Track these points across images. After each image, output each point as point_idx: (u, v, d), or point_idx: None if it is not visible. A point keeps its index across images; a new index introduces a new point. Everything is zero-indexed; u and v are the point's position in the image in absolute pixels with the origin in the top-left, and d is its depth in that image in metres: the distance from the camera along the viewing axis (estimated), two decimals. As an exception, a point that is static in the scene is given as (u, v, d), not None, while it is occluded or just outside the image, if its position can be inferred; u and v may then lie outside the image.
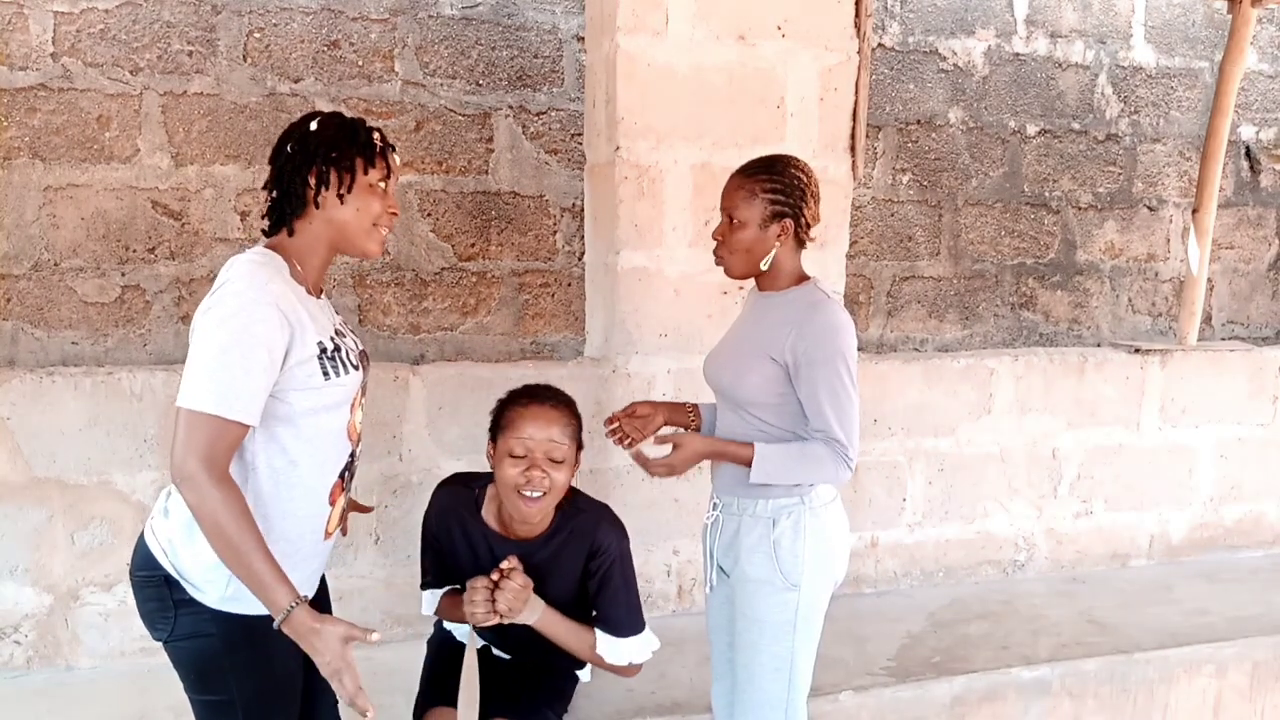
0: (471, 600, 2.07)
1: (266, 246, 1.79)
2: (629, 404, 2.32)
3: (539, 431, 2.05)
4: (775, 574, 2.08)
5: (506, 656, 2.41)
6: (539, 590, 2.15)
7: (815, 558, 2.09)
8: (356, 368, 1.85)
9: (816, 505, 2.10)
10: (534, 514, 2.09)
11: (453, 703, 2.16)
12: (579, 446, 2.13)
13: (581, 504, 2.25)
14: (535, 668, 2.37)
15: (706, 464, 2.26)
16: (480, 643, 2.37)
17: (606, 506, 2.30)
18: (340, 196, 1.77)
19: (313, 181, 1.76)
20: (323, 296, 1.87)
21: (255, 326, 1.65)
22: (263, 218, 1.82)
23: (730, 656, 2.21)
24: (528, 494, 2.06)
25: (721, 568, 2.20)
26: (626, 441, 2.28)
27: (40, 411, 2.71)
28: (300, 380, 1.72)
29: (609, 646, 2.22)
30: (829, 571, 2.13)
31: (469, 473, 2.36)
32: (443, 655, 2.40)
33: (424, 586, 2.34)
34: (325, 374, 1.76)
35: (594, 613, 2.25)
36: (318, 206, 1.77)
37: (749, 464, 2.05)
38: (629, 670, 2.28)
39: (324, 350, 1.77)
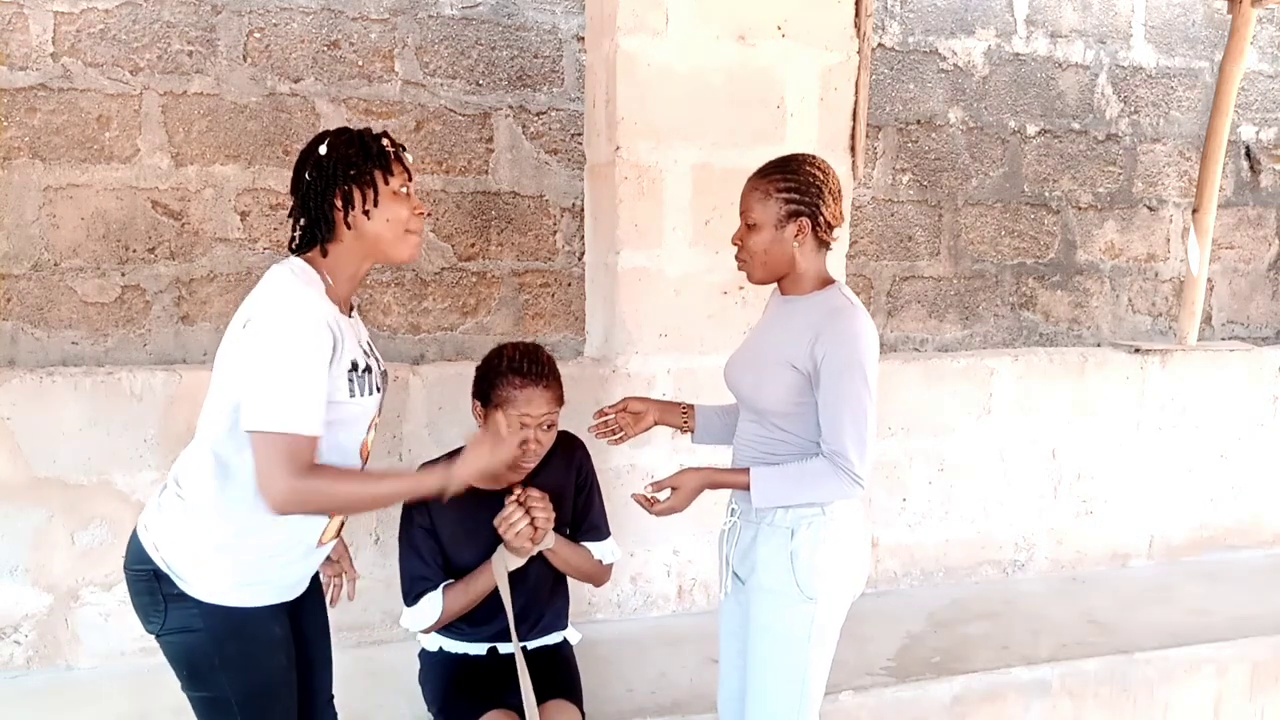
0: (513, 527, 2.16)
1: (304, 260, 1.80)
2: (622, 399, 2.31)
3: (536, 409, 2.18)
4: (791, 585, 2.03)
5: (520, 649, 2.42)
6: None
7: (833, 570, 2.05)
8: (378, 390, 1.89)
9: (837, 516, 2.05)
10: (531, 468, 2.26)
11: (488, 704, 2.22)
12: (563, 401, 2.27)
13: None
14: (548, 657, 2.43)
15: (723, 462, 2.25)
16: (491, 646, 2.41)
17: (565, 432, 2.42)
18: (367, 212, 1.77)
19: (339, 204, 1.77)
20: (354, 314, 1.89)
21: (309, 338, 1.68)
22: (290, 242, 1.84)
23: (740, 664, 2.19)
24: (525, 463, 2.20)
25: (737, 574, 2.17)
26: (616, 437, 2.27)
27: (40, 411, 2.71)
28: (329, 392, 1.74)
29: (600, 551, 2.43)
30: (847, 584, 2.09)
31: (431, 461, 2.41)
32: (451, 668, 2.40)
33: (419, 595, 2.31)
34: (351, 392, 1.79)
35: (580, 526, 2.43)
36: (349, 227, 1.78)
37: (748, 488, 2.03)
38: (609, 571, 2.46)
39: (355, 367, 1.80)
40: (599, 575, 2.45)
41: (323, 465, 1.71)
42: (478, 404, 2.27)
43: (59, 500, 2.74)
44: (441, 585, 2.31)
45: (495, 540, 2.27)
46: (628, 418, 2.28)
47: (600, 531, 2.45)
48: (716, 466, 2.16)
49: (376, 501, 1.84)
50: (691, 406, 2.33)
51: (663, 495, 2.10)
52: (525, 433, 2.17)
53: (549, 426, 2.22)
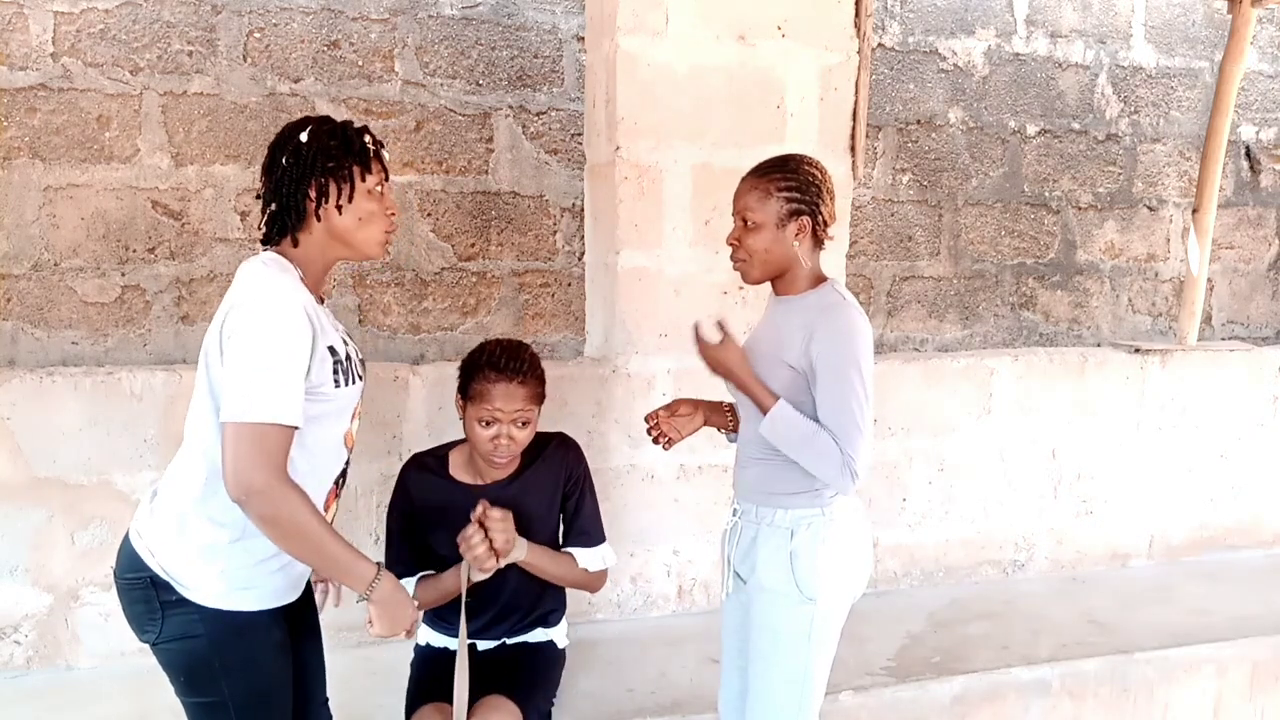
0: (471, 549, 2.17)
1: (275, 252, 1.79)
2: (673, 400, 2.27)
3: (508, 404, 2.20)
4: (791, 586, 2.04)
5: (493, 644, 2.43)
6: (522, 521, 2.28)
7: (833, 571, 2.05)
8: (361, 378, 1.88)
9: (837, 517, 2.06)
10: (504, 464, 2.29)
11: (439, 698, 2.21)
12: (542, 399, 2.29)
13: (540, 436, 2.39)
14: (523, 654, 2.42)
15: (729, 469, 2.25)
16: (470, 642, 2.40)
17: (561, 433, 2.46)
18: (340, 207, 1.76)
19: (313, 195, 1.76)
20: (325, 304, 1.87)
21: (289, 330, 1.67)
22: (260, 228, 1.82)
23: (742, 664, 2.19)
24: (497, 458, 2.24)
25: (739, 574, 2.17)
26: (665, 441, 2.23)
27: (40, 411, 2.71)
28: (312, 385, 1.73)
29: (587, 558, 2.41)
30: (848, 585, 2.10)
31: (424, 451, 2.48)
32: (428, 663, 2.42)
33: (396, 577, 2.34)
34: (336, 382, 1.78)
35: (569, 531, 2.43)
36: (319, 219, 1.77)
37: (765, 411, 2.01)
38: (601, 579, 2.46)
39: (336, 357, 1.78)
40: (588, 584, 2.44)
41: (298, 486, 1.67)
42: (459, 397, 2.29)
43: (59, 500, 2.74)
44: (417, 576, 2.34)
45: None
46: (677, 422, 2.23)
47: (589, 538, 2.43)
48: (752, 376, 2.07)
49: (320, 551, 1.70)
50: (733, 405, 2.28)
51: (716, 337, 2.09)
52: (496, 427, 2.20)
53: (523, 424, 2.23)
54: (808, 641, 2.06)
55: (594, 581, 2.45)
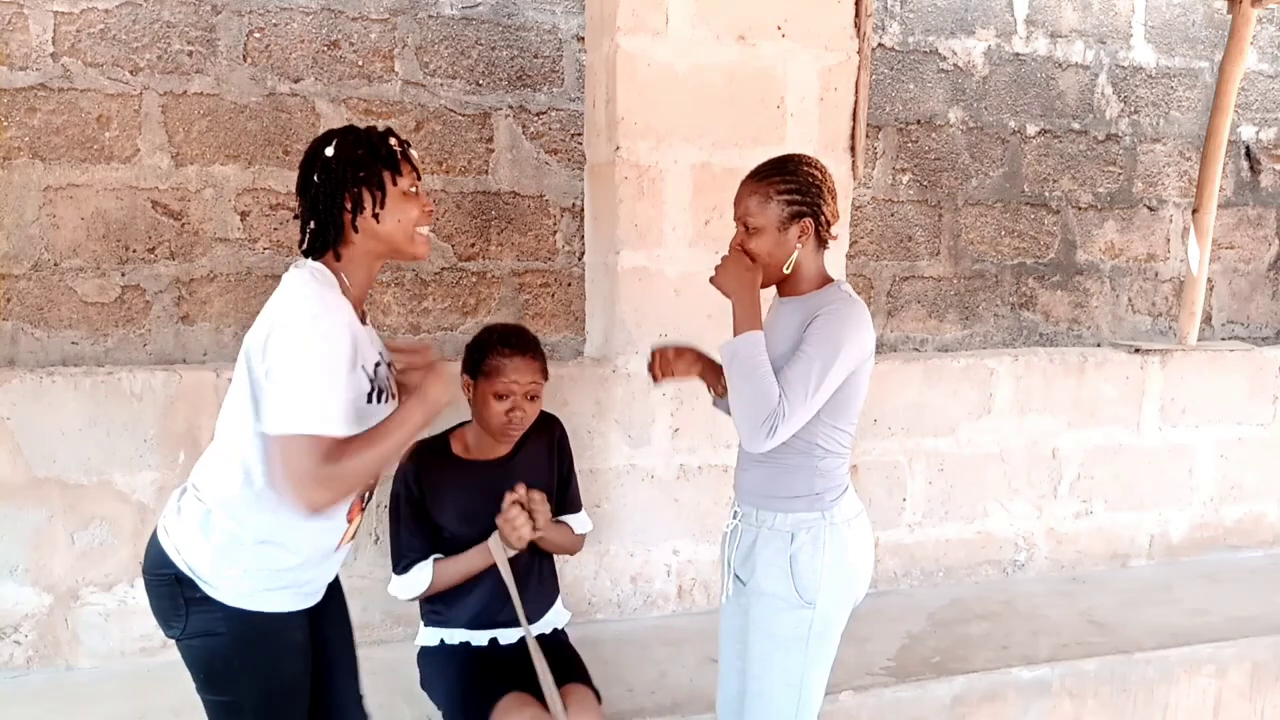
0: (516, 529, 2.27)
1: (320, 263, 1.79)
2: (682, 346, 2.27)
3: (522, 377, 2.32)
4: (790, 590, 2.03)
5: (515, 638, 2.45)
6: None
7: (833, 575, 2.05)
8: (394, 396, 1.89)
9: (838, 521, 2.06)
10: (515, 438, 2.42)
11: (517, 687, 2.25)
12: (547, 376, 2.41)
13: None
14: (551, 643, 2.46)
15: (729, 469, 2.24)
16: (493, 636, 2.45)
17: (543, 410, 2.53)
18: (376, 215, 1.77)
19: (349, 206, 1.76)
20: (368, 321, 1.88)
21: (333, 341, 1.69)
22: (300, 246, 1.83)
23: (740, 666, 2.19)
24: (511, 430, 2.35)
25: (739, 577, 2.16)
26: (660, 375, 2.23)
27: (40, 411, 2.71)
28: (350, 397, 1.74)
29: (578, 523, 2.58)
30: (847, 590, 2.09)
31: (421, 440, 2.47)
32: (468, 658, 2.42)
33: (407, 568, 2.38)
34: (369, 399, 1.79)
35: (560, 500, 2.53)
36: (357, 230, 1.78)
37: (737, 333, 1.99)
38: (581, 542, 2.60)
39: (369, 375, 1.80)
40: (576, 546, 2.59)
41: (340, 451, 1.68)
42: (466, 378, 2.36)
43: (59, 500, 2.74)
44: (431, 558, 2.37)
45: (486, 513, 2.32)
46: (679, 365, 2.23)
47: (576, 503, 2.59)
48: (750, 302, 2.04)
49: (391, 457, 1.78)
50: None
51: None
52: (511, 400, 2.31)
53: (533, 397, 2.35)
54: (806, 645, 2.06)
55: (580, 544, 2.60)
